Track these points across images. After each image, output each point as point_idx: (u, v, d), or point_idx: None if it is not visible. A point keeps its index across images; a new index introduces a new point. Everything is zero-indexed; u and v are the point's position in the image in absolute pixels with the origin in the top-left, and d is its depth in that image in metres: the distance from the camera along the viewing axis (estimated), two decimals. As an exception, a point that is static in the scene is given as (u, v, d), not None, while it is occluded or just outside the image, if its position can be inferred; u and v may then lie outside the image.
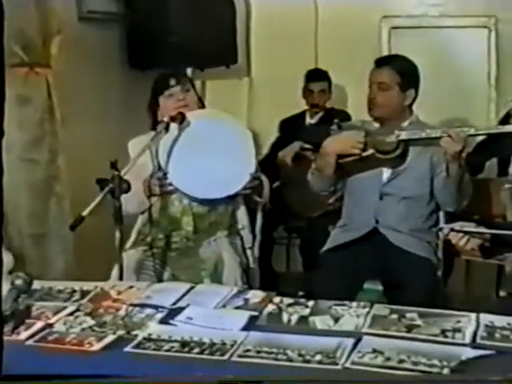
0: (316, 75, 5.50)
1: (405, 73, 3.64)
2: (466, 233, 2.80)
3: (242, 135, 3.60)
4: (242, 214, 3.68)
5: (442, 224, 3.69)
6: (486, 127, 3.41)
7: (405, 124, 3.64)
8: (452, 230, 2.83)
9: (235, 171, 3.50)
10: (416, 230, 3.60)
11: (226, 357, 2.20)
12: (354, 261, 3.52)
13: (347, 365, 2.11)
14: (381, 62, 3.70)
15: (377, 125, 3.67)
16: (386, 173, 3.63)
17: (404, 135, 3.51)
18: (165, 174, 3.49)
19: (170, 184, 3.50)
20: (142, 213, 3.63)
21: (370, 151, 3.54)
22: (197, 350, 2.25)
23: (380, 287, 3.66)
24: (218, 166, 3.49)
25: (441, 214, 3.70)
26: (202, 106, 3.75)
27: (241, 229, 3.67)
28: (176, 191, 3.53)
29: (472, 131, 3.38)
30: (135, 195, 3.38)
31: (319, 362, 2.14)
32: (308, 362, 2.15)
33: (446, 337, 2.28)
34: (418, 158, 3.58)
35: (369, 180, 3.64)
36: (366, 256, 3.55)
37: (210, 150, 3.52)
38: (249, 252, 3.67)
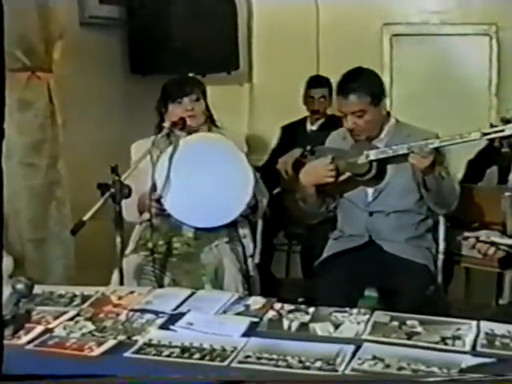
0: (317, 82, 5.49)
1: (372, 90, 3.53)
2: (492, 243, 2.78)
3: (241, 163, 3.58)
4: (243, 223, 3.69)
5: (441, 232, 3.70)
6: (450, 138, 3.30)
7: (384, 132, 3.58)
8: (477, 239, 2.80)
9: (231, 201, 3.52)
10: (411, 238, 3.59)
11: (226, 363, 2.20)
12: (354, 268, 3.51)
13: (347, 371, 2.11)
14: (346, 91, 3.51)
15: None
16: (370, 190, 3.61)
17: (373, 155, 3.46)
18: (160, 198, 3.49)
19: (165, 210, 3.51)
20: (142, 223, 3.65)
21: (347, 174, 3.54)
22: (197, 355, 2.25)
23: (377, 294, 3.65)
24: (215, 194, 3.50)
25: (441, 222, 3.71)
26: (209, 114, 3.74)
27: (242, 237, 3.67)
28: (169, 217, 3.54)
29: (436, 143, 3.27)
30: (132, 207, 3.40)
31: (319, 369, 2.14)
32: (308, 368, 2.15)
33: (446, 344, 2.28)
34: (399, 172, 3.54)
35: (355, 199, 3.63)
36: (365, 263, 3.54)
37: (208, 177, 3.52)
38: (249, 259, 3.67)
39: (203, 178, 3.52)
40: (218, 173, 3.53)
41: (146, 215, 3.55)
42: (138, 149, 3.61)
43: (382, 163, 3.50)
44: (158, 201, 3.49)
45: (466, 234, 2.86)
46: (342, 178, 3.54)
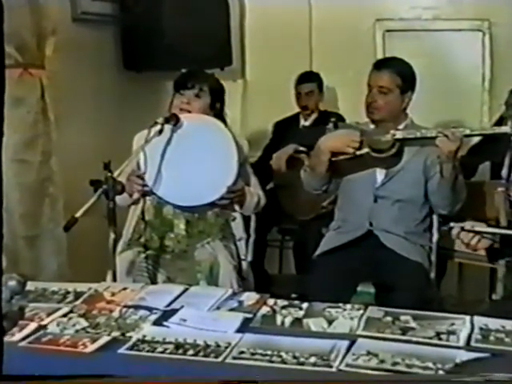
0: (304, 77, 5.47)
1: (405, 75, 3.65)
2: (477, 232, 2.78)
3: (227, 146, 3.54)
4: (237, 225, 3.66)
5: (435, 226, 3.71)
6: (481, 128, 3.42)
7: (400, 127, 3.63)
8: (463, 229, 2.80)
9: (213, 182, 3.48)
10: (410, 232, 3.61)
11: (220, 359, 2.20)
12: (347, 263, 3.52)
13: (341, 367, 2.11)
14: (381, 65, 3.70)
15: (372, 126, 3.67)
16: (380, 175, 3.63)
17: (399, 134, 3.50)
18: (142, 173, 3.48)
19: (147, 185, 3.49)
20: (134, 204, 3.62)
21: (365, 150, 3.52)
22: (191, 351, 2.25)
23: (373, 290, 3.65)
24: (197, 174, 3.48)
25: (434, 218, 3.71)
26: (219, 113, 3.69)
27: (238, 240, 3.65)
28: (152, 193, 3.53)
29: (468, 131, 3.38)
30: None
31: (313, 364, 2.13)
32: (302, 364, 2.15)
33: (440, 339, 2.28)
34: (413, 161, 3.58)
35: (363, 182, 3.64)
36: (359, 259, 3.55)
37: (192, 157, 3.50)
38: (243, 261, 3.65)
39: (188, 157, 3.50)
40: (204, 153, 3.51)
41: (128, 200, 3.53)
42: (139, 140, 3.59)
43: (401, 147, 3.51)
44: (142, 178, 3.48)
45: (452, 223, 2.87)
46: (358, 152, 3.53)
